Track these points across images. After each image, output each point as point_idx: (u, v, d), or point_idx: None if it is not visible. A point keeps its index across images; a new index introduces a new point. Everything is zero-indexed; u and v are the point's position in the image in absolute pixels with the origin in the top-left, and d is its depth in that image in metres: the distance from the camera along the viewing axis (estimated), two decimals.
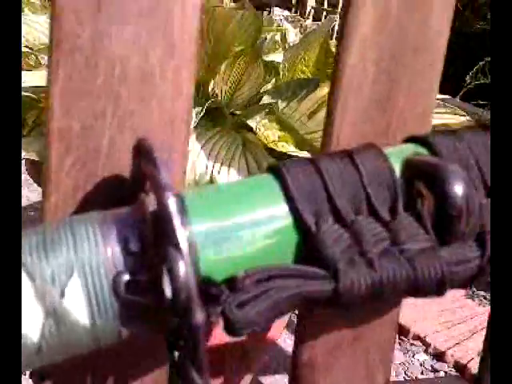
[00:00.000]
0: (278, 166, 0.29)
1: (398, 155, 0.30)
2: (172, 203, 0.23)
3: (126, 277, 0.25)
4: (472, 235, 0.29)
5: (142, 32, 0.31)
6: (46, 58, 1.05)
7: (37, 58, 1.00)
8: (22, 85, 0.94)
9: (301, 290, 0.26)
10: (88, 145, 0.31)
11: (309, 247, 0.27)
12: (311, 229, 0.27)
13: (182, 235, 0.23)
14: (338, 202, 0.28)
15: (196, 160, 0.71)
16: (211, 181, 0.69)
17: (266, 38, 0.88)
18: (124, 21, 0.30)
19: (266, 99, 0.81)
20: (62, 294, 0.24)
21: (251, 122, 0.79)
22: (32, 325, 0.24)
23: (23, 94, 0.99)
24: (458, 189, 0.27)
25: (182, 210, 0.26)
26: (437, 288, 0.28)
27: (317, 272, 0.26)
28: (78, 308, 0.24)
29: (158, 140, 0.32)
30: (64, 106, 0.30)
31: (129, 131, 0.32)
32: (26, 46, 1.10)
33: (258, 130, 0.77)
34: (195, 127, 0.74)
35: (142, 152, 0.26)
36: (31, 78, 0.98)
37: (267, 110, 0.78)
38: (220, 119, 0.77)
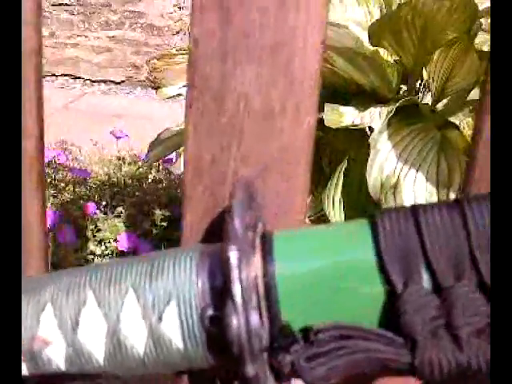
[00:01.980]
0: (374, 215, 0.27)
1: None
2: (233, 256, 0.24)
3: (211, 311, 0.27)
4: None
5: (263, 72, 0.32)
6: None
7: None
8: None
9: (375, 356, 0.25)
10: (215, 174, 0.34)
11: (393, 310, 0.26)
12: (397, 289, 0.26)
13: (238, 289, 0.24)
14: (433, 263, 0.25)
15: (384, 162, 0.70)
16: (396, 185, 0.67)
17: (480, 25, 0.79)
18: (248, 62, 0.32)
19: (473, 94, 0.73)
20: (160, 319, 0.28)
21: (455, 120, 0.73)
22: (138, 340, 0.28)
23: None
24: None
25: (268, 252, 0.27)
26: None
27: (395, 340, 0.25)
28: (172, 333, 0.28)
29: (276, 172, 0.34)
30: (196, 140, 0.34)
31: (251, 163, 0.34)
32: None
33: (462, 130, 0.71)
34: (388, 126, 0.72)
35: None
36: None
37: (471, 108, 0.71)
38: (415, 117, 0.73)
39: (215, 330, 0.27)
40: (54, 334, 0.29)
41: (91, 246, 1.18)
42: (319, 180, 0.82)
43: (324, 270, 0.27)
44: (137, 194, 1.32)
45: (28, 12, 0.33)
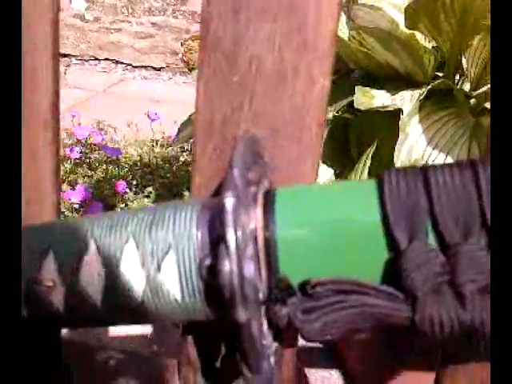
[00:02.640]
0: (383, 172, 0.27)
1: None
2: (229, 203, 0.24)
3: (208, 262, 0.27)
4: None
5: (276, 33, 0.32)
6: None
7: None
8: None
9: (374, 311, 0.24)
10: (226, 134, 0.34)
11: (396, 267, 0.25)
12: (400, 246, 0.25)
13: (231, 235, 0.24)
14: (440, 221, 0.24)
15: (414, 144, 0.68)
16: None
17: None
18: (260, 21, 0.32)
19: None
20: (159, 268, 0.28)
21: (488, 105, 0.70)
22: (137, 283, 0.28)
23: None
24: None
25: (270, 206, 0.27)
26: None
27: (396, 295, 0.24)
28: (171, 283, 0.28)
29: (288, 134, 0.33)
30: (207, 99, 0.34)
31: (262, 124, 0.33)
32: None
33: None
34: (419, 110, 0.70)
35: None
36: None
37: None
38: (449, 102, 0.70)
39: (212, 280, 0.26)
40: (55, 277, 0.29)
41: None
42: (346, 163, 0.81)
43: (326, 227, 0.26)
44: (167, 175, 1.33)
45: None
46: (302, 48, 0.32)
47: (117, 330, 0.94)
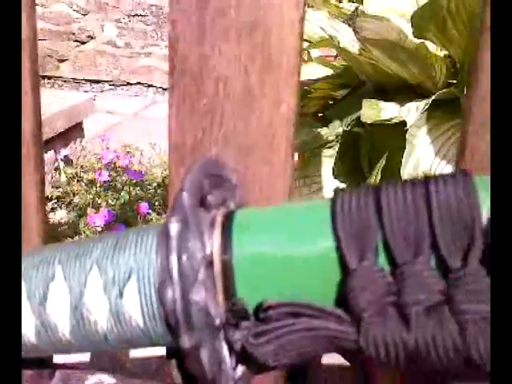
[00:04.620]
0: (335, 191, 0.26)
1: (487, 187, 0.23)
2: (173, 229, 0.24)
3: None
4: None
5: (241, 52, 0.32)
6: (316, 52, 1.11)
7: (308, 53, 1.07)
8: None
9: (322, 334, 0.24)
10: (198, 157, 0.34)
11: (345, 288, 0.24)
12: (350, 267, 0.24)
13: (174, 262, 0.23)
14: (390, 239, 0.24)
15: (421, 156, 0.66)
16: None
17: None
18: (225, 42, 0.32)
19: None
20: (121, 294, 0.28)
21: None
22: (100, 315, 0.28)
23: None
24: None
25: (227, 229, 0.27)
26: None
27: (343, 318, 0.23)
28: (132, 309, 0.28)
29: (258, 154, 0.33)
30: (179, 123, 0.34)
31: (232, 147, 0.33)
32: (307, 40, 1.19)
33: None
34: (427, 121, 0.68)
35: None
36: (303, 71, 1.05)
37: None
38: (456, 111, 0.68)
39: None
40: (24, 306, 0.30)
41: None
42: (358, 177, 0.80)
43: (281, 249, 0.26)
44: None
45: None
46: (266, 67, 0.32)
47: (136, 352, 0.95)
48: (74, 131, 1.75)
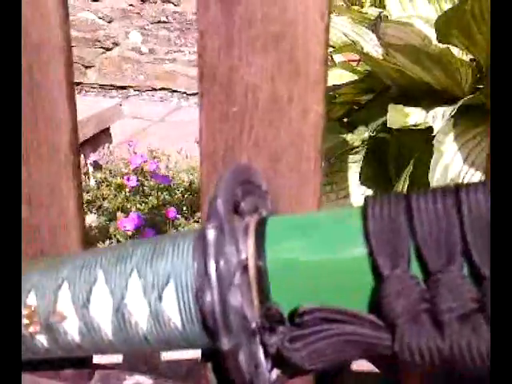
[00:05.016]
0: (365, 199, 0.27)
1: None
2: (210, 235, 0.25)
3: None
4: None
5: (268, 62, 0.32)
6: (340, 57, 1.11)
7: (332, 58, 1.07)
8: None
9: (357, 339, 0.24)
10: (229, 164, 0.35)
11: (378, 295, 0.25)
12: (383, 274, 0.24)
13: (212, 266, 0.24)
14: (422, 248, 0.24)
15: (450, 163, 0.66)
16: None
17: None
18: (253, 52, 0.33)
19: None
20: (160, 298, 0.29)
21: None
22: (141, 318, 0.29)
23: None
24: None
25: (261, 236, 0.27)
26: None
27: (377, 324, 0.24)
28: (171, 312, 0.28)
29: (287, 161, 0.34)
30: (210, 130, 0.35)
31: (262, 153, 0.34)
32: (331, 46, 1.19)
33: None
34: (454, 127, 0.68)
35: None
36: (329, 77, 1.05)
37: None
38: (483, 117, 0.68)
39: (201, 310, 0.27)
40: (68, 308, 0.31)
41: None
42: (385, 184, 0.80)
43: (315, 255, 0.27)
44: None
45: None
46: (293, 76, 0.32)
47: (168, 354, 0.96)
48: (101, 137, 1.79)
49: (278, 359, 0.26)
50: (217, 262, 0.25)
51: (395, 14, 0.88)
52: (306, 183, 0.34)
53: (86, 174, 1.63)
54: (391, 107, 0.74)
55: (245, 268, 0.27)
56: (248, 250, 0.27)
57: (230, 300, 0.25)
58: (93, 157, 1.66)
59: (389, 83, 0.89)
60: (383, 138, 0.78)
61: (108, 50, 3.21)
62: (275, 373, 0.29)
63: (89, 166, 1.65)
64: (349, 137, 0.82)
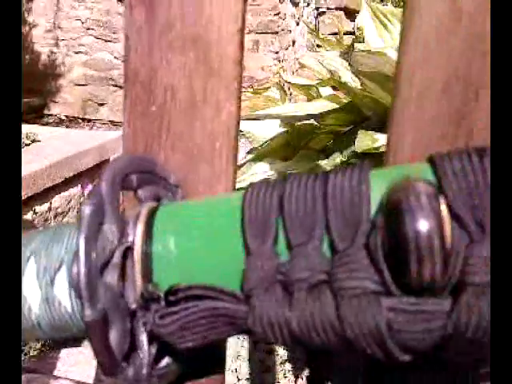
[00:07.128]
0: (249, 184, 0.27)
1: (387, 177, 0.24)
2: (84, 210, 0.26)
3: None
4: (445, 287, 0.21)
5: (186, 63, 0.34)
6: (325, 90, 1.13)
7: (317, 90, 1.09)
8: (305, 113, 1.03)
9: (220, 313, 0.24)
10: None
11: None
12: (250, 250, 0.25)
13: (81, 240, 0.25)
14: (288, 224, 0.25)
15: None
16: None
17: None
18: (172, 54, 0.34)
19: None
20: (52, 283, 0.29)
21: None
22: (34, 302, 0.30)
23: (306, 122, 1.10)
24: (410, 227, 0.20)
25: (150, 222, 0.28)
26: (379, 348, 0.21)
27: (239, 297, 0.24)
28: (63, 297, 0.29)
29: (201, 158, 0.35)
30: (131, 129, 0.36)
31: (179, 151, 0.35)
32: (319, 79, 1.21)
33: None
34: None
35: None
36: (312, 108, 1.08)
37: None
38: None
39: None
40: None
41: None
42: None
43: (194, 236, 0.27)
44: None
45: None
46: (208, 76, 0.34)
47: None
48: (102, 167, 1.82)
49: (153, 337, 0.27)
50: (87, 237, 0.25)
51: (373, 44, 0.90)
52: (219, 179, 0.35)
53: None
54: (361, 132, 0.76)
55: (131, 250, 0.28)
56: (136, 233, 0.28)
57: (103, 276, 0.25)
58: (91, 186, 1.70)
59: (366, 112, 0.91)
60: (352, 162, 0.79)
61: (121, 87, 3.31)
62: (166, 361, 0.29)
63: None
64: (323, 162, 0.83)
